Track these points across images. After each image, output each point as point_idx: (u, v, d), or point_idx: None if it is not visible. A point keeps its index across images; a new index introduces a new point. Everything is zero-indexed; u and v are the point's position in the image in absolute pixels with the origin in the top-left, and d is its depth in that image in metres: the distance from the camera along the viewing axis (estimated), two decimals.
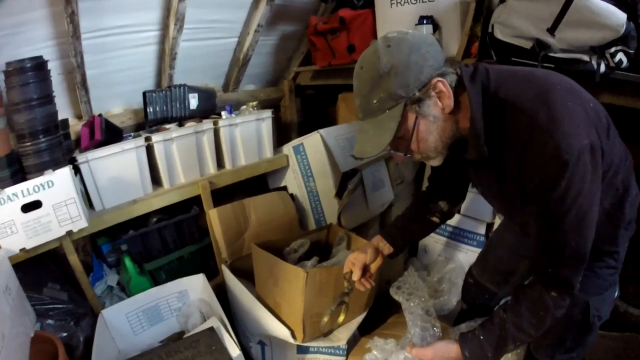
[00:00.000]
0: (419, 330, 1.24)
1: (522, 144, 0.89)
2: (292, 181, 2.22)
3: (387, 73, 0.90)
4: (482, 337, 1.06)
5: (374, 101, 0.93)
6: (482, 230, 2.06)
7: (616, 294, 1.19)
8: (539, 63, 1.53)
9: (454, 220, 2.09)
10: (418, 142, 0.96)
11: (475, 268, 1.63)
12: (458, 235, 2.14)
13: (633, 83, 1.48)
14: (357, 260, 1.31)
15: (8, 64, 1.38)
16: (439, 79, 0.92)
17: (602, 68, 1.45)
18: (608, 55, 1.43)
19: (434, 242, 2.14)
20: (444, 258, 2.14)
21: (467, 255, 2.08)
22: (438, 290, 2.02)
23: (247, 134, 2.08)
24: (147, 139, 1.77)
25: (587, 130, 0.87)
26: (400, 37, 0.92)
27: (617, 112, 1.34)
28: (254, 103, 2.23)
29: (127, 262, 1.85)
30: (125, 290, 1.91)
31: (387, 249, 1.36)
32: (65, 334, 1.49)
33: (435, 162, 1.03)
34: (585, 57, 1.48)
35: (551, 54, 1.53)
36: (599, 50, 1.43)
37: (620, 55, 1.41)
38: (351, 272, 1.32)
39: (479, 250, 1.96)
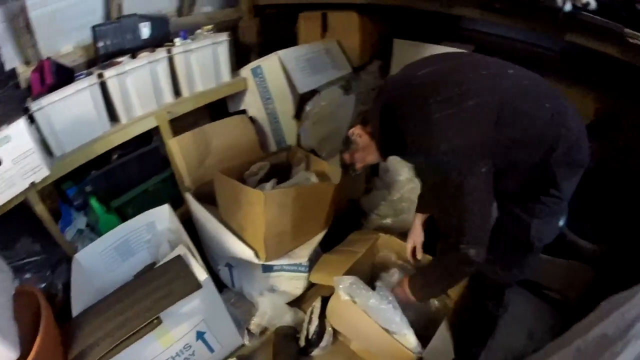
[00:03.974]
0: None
1: (415, 146, 1.18)
2: (252, 104, 2.19)
3: (321, 140, 1.41)
4: (423, 275, 1.43)
5: (323, 155, 1.46)
6: None
7: (561, 223, 1.32)
8: None
9: None
10: (359, 162, 1.39)
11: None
12: None
13: (600, 27, 1.49)
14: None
15: None
16: (354, 130, 1.33)
17: (568, 7, 1.45)
18: None
19: (397, 162, 2.16)
20: (405, 178, 2.17)
21: None
22: (398, 208, 2.09)
23: (203, 60, 2.01)
24: (100, 75, 1.70)
25: (464, 134, 1.09)
26: (322, 113, 1.42)
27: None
28: (209, 27, 2.13)
29: (94, 202, 1.84)
30: (95, 230, 1.91)
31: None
32: (44, 285, 1.53)
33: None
34: None
35: None
36: None
37: None
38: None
39: None
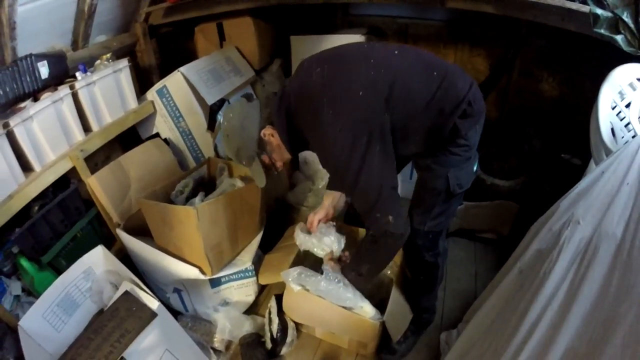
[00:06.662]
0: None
1: (315, 144, 1.34)
2: (163, 126, 2.16)
3: (238, 150, 1.40)
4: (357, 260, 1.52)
5: (244, 163, 1.44)
6: None
7: (475, 168, 1.41)
8: None
9: None
10: (278, 160, 1.45)
11: None
12: None
13: None
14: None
15: None
16: (264, 131, 1.38)
17: None
18: None
19: (312, 154, 2.17)
20: None
21: None
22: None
23: (107, 90, 1.95)
24: (5, 125, 1.58)
25: (351, 126, 1.20)
26: (232, 125, 1.40)
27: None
28: (107, 55, 2.07)
29: (24, 262, 1.72)
30: (32, 292, 1.79)
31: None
32: None
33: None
34: None
35: None
36: None
37: None
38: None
39: None
